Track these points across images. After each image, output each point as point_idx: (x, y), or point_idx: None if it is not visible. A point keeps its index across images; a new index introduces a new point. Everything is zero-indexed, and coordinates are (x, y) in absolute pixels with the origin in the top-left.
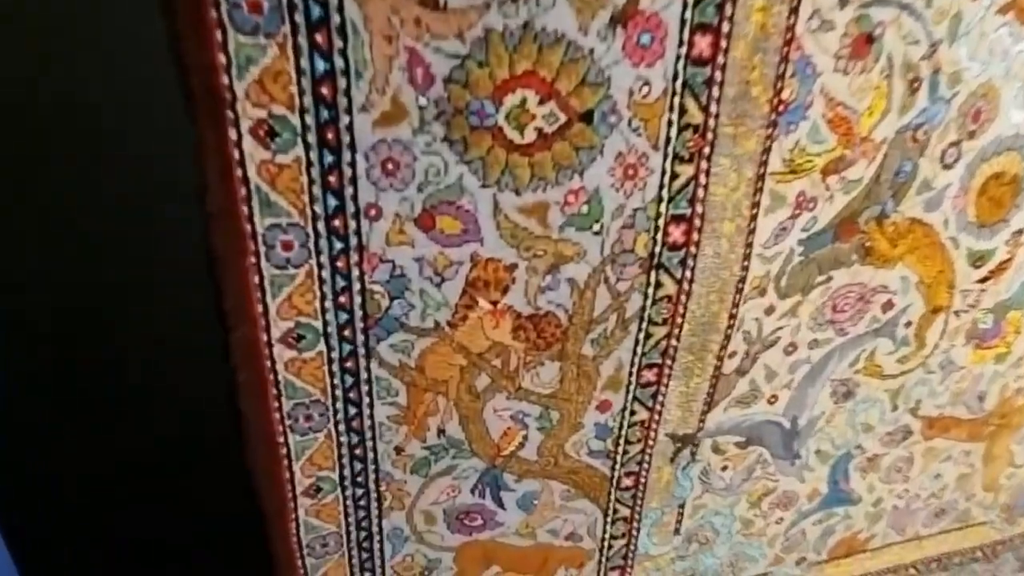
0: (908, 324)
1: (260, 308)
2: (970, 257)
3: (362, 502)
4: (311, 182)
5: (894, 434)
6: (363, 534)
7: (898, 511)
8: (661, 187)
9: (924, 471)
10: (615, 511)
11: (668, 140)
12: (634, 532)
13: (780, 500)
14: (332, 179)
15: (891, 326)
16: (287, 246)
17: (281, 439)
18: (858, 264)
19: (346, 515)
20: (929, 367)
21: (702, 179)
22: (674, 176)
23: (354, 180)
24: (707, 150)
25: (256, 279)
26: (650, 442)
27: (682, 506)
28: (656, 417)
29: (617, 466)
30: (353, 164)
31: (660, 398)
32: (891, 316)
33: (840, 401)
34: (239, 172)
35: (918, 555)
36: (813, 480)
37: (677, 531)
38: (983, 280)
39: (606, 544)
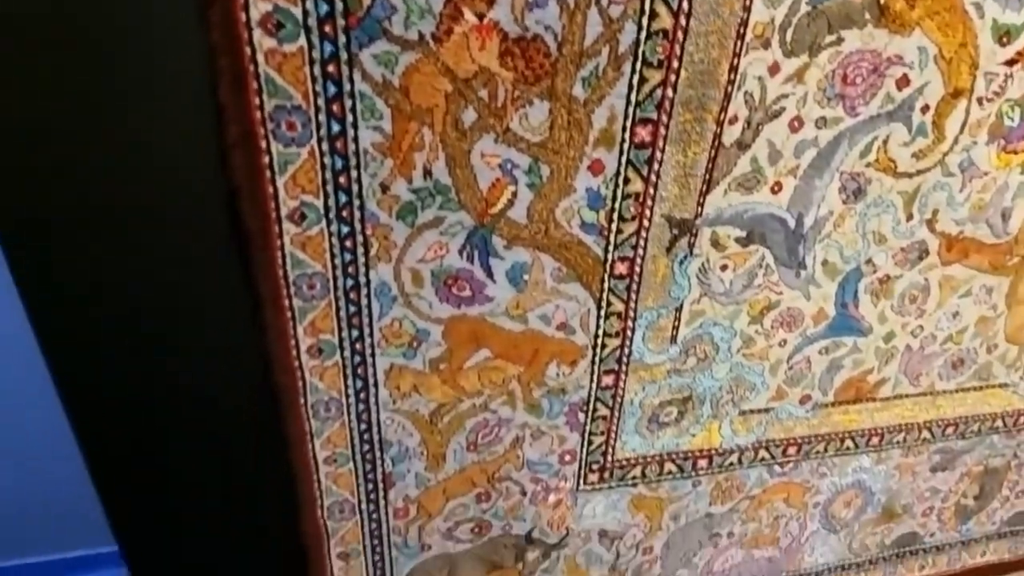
0: (925, 109)
1: None
2: (996, 31)
3: (348, 243)
4: None
5: (908, 251)
6: (350, 282)
7: (912, 353)
8: None
9: (941, 306)
10: (609, 303)
11: None
12: (628, 332)
13: (784, 318)
14: None
15: (907, 109)
16: None
17: (263, 144)
18: (872, 26)
19: (332, 255)
20: (948, 167)
21: None
22: None
23: None
24: None
25: None
26: (645, 222)
27: (679, 309)
28: (651, 191)
29: (611, 247)
30: None
31: (656, 166)
32: (907, 96)
33: (850, 200)
34: None
35: (933, 415)
36: (820, 298)
37: (674, 339)
38: (1010, 63)
39: (599, 342)
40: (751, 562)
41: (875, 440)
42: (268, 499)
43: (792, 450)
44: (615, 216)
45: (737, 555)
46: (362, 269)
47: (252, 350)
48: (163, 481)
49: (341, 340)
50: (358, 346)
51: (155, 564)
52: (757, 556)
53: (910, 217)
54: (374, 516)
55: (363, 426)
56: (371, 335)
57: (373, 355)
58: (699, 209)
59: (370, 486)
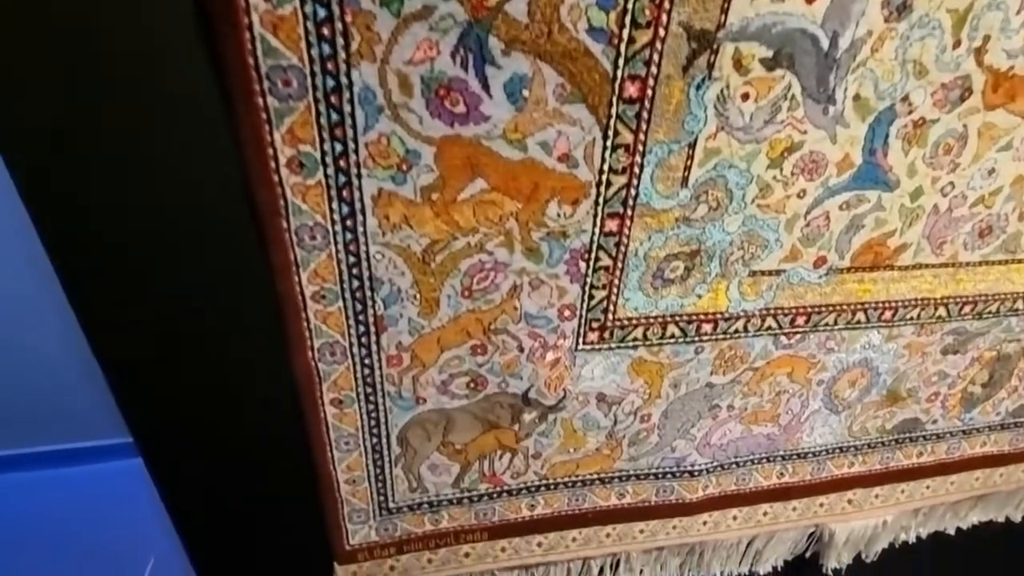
0: None
1: None
2: None
3: (326, 30)
4: None
5: (950, 89)
6: (331, 82)
7: (939, 215)
8: None
9: (977, 160)
10: (616, 132)
11: None
12: (636, 169)
13: (806, 163)
14: None
15: None
16: None
17: None
18: None
19: (308, 44)
20: None
21: None
22: None
23: None
24: None
25: None
26: (661, 30)
27: (693, 146)
28: None
29: (621, 61)
30: None
31: None
32: None
33: (892, 18)
34: None
35: (952, 290)
36: (846, 142)
37: (685, 181)
38: None
39: (604, 179)
40: (749, 437)
41: (888, 314)
42: (261, 344)
43: (801, 320)
44: (627, 20)
45: (736, 429)
46: (343, 67)
47: (234, 168)
48: (156, 334)
49: (323, 154)
50: (342, 163)
51: (156, 424)
52: (756, 432)
53: (957, 44)
54: (366, 362)
55: (351, 259)
56: (356, 151)
57: (359, 176)
58: (723, 17)
59: (361, 328)
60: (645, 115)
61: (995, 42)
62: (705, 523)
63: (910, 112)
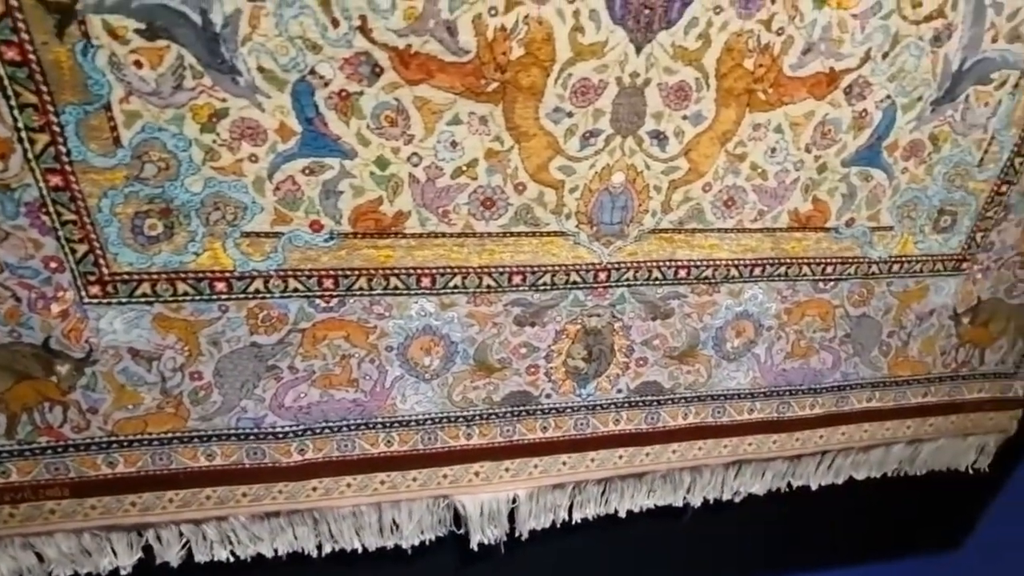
0: None
1: None
2: None
3: None
4: None
5: (357, 64)
6: None
7: (421, 184)
8: None
9: (432, 132)
10: (17, 93)
11: None
12: (56, 128)
13: (242, 129)
14: None
15: None
16: None
17: None
18: None
19: None
20: None
21: None
22: None
23: None
24: None
25: None
26: (12, 1)
27: (109, 108)
28: None
29: None
30: None
31: None
32: None
33: None
34: None
35: (486, 259)
36: (276, 112)
37: (118, 141)
38: None
39: (24, 135)
40: (332, 402)
41: (426, 281)
42: None
43: (328, 283)
44: None
45: (312, 393)
46: None
47: None
48: None
49: None
50: None
51: None
52: (338, 397)
53: (336, 23)
54: None
55: None
56: None
57: None
58: None
59: None
60: (40, 78)
61: (375, 21)
62: (316, 489)
63: (327, 85)
